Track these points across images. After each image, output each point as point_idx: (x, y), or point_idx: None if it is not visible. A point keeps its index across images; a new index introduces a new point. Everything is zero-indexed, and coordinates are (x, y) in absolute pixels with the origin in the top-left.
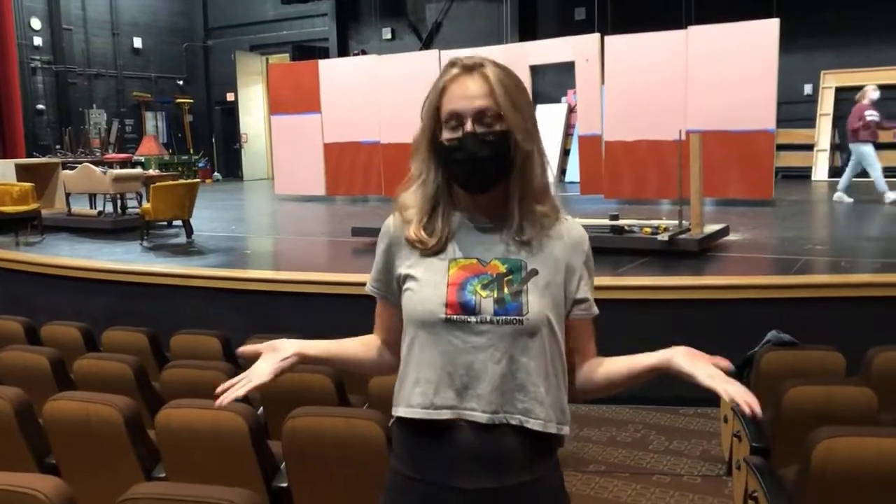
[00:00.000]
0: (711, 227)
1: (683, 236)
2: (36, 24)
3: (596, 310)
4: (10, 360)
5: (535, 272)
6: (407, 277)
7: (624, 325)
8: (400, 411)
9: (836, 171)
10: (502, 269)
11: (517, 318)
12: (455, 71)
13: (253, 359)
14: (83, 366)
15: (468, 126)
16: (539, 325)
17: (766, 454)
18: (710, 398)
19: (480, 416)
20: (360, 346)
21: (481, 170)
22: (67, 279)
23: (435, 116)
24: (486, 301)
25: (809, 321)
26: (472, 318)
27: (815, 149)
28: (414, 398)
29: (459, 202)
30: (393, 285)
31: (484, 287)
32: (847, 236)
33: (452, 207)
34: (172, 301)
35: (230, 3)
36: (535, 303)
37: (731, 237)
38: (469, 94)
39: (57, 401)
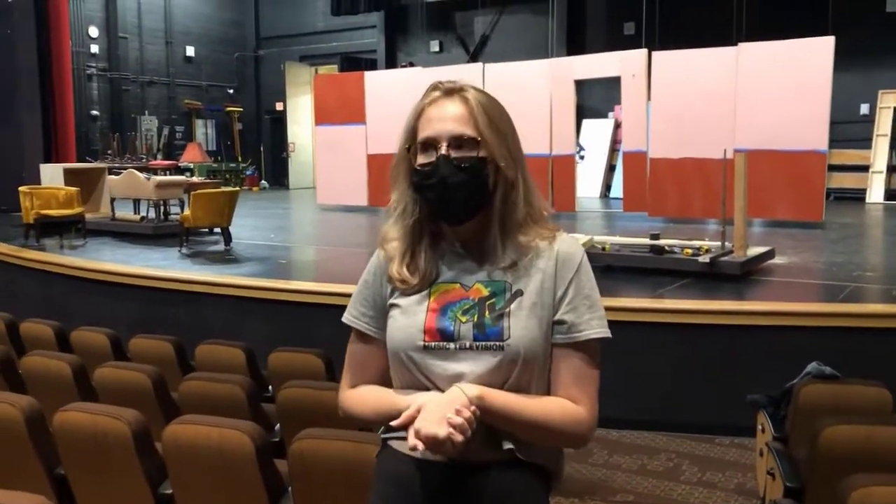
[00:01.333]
0: (756, 250)
1: (725, 258)
2: (94, 32)
3: (583, 335)
4: (35, 365)
5: (519, 293)
6: (392, 306)
7: (659, 349)
8: (384, 435)
9: (892, 194)
10: (485, 292)
11: (497, 343)
12: (435, 94)
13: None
14: (104, 374)
15: (442, 149)
16: (521, 351)
17: (800, 496)
18: (748, 427)
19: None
20: None
21: (453, 199)
22: (103, 283)
23: (411, 141)
24: (465, 326)
25: (855, 353)
26: (451, 345)
27: (871, 170)
28: (397, 429)
29: (440, 231)
30: (383, 319)
31: (465, 312)
32: None
33: (436, 238)
34: (204, 308)
35: (281, 14)
36: (519, 326)
37: (777, 260)
38: (446, 117)
39: (67, 412)
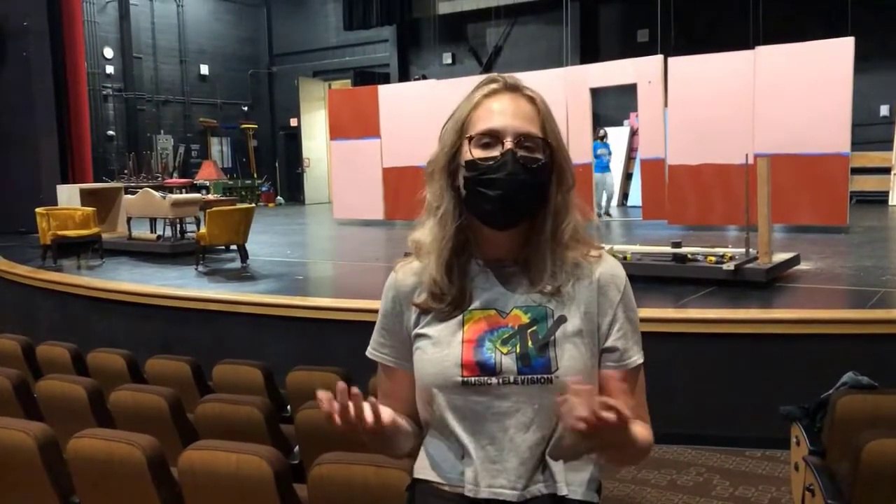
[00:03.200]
0: (781, 256)
1: (750, 265)
2: (108, 53)
3: (632, 361)
4: (50, 389)
5: (563, 319)
6: (418, 336)
7: (686, 360)
8: (418, 473)
9: None
10: (525, 319)
11: (545, 375)
12: (494, 86)
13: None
14: (120, 397)
15: (508, 143)
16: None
17: None
18: (780, 439)
19: (510, 494)
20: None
21: (514, 199)
22: (121, 303)
23: (461, 133)
24: (507, 358)
25: (891, 361)
26: (493, 380)
27: (893, 172)
28: (434, 470)
29: (480, 241)
30: (405, 349)
31: (504, 342)
32: None
33: (471, 249)
34: (222, 327)
35: (294, 31)
36: (566, 356)
37: (802, 266)
38: (512, 112)
39: (81, 438)
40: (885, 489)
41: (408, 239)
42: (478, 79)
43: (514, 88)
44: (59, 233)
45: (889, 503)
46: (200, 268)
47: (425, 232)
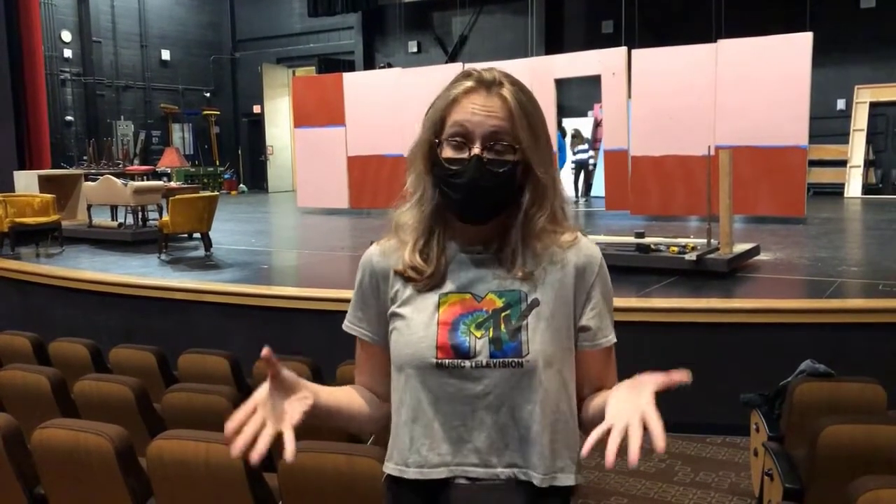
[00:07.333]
0: (741, 247)
1: (712, 256)
2: (66, 36)
3: (607, 341)
4: (12, 379)
5: (536, 303)
6: (394, 316)
7: (648, 348)
8: (391, 468)
9: (869, 188)
10: (499, 303)
11: (516, 359)
12: (469, 83)
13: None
14: (85, 387)
15: (476, 149)
16: (541, 366)
17: (801, 497)
18: (740, 426)
19: (480, 472)
20: (359, 402)
21: (480, 202)
22: (83, 292)
23: (438, 129)
24: (480, 342)
25: (846, 349)
26: (467, 363)
27: (849, 165)
28: (407, 455)
29: (455, 227)
30: (379, 324)
31: (478, 326)
32: (884, 257)
33: (449, 232)
34: (187, 316)
35: (257, 16)
36: (537, 340)
37: (762, 257)
38: (483, 112)
39: (46, 429)
40: (841, 473)
41: (391, 218)
42: (443, 68)
43: (489, 86)
44: (17, 220)
45: (844, 486)
46: (163, 256)
47: (405, 214)
